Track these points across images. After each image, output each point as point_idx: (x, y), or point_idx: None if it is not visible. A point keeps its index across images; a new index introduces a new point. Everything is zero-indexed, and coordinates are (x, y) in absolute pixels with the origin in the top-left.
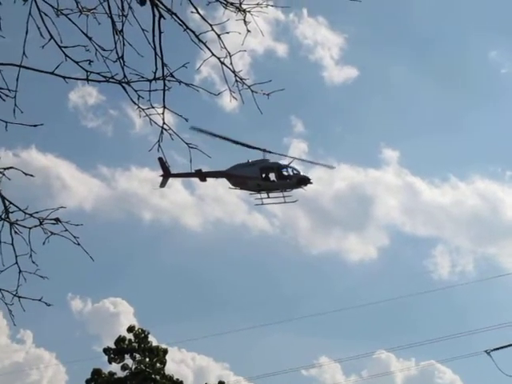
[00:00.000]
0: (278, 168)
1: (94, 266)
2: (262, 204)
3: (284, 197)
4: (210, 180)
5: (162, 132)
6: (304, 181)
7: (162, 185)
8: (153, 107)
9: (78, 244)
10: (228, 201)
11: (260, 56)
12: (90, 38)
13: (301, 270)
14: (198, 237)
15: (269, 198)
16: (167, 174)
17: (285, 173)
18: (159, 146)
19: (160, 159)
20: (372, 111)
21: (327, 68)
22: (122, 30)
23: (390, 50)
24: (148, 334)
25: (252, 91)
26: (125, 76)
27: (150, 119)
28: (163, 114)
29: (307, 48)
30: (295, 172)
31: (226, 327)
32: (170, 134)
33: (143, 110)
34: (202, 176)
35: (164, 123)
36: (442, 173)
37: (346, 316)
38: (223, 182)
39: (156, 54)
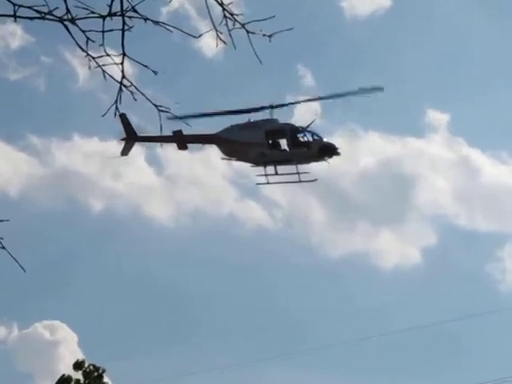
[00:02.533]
0: (291, 131)
1: (23, 276)
2: (267, 183)
3: (299, 173)
4: (183, 155)
5: (120, 89)
6: (329, 150)
7: (125, 152)
8: (108, 55)
9: (3, 248)
10: (210, 183)
11: None
12: None
13: (313, 281)
14: (168, 234)
15: (277, 174)
16: (132, 137)
17: (301, 138)
18: (117, 108)
19: (122, 116)
20: (411, 58)
21: None
22: None
23: None
24: (103, 372)
25: (247, 31)
26: (68, 11)
27: (104, 72)
28: (122, 63)
29: None
30: (316, 137)
31: (208, 362)
32: (132, 92)
33: (94, 58)
34: (182, 141)
35: (124, 77)
36: (510, 143)
37: (375, 347)
38: (204, 157)
39: None
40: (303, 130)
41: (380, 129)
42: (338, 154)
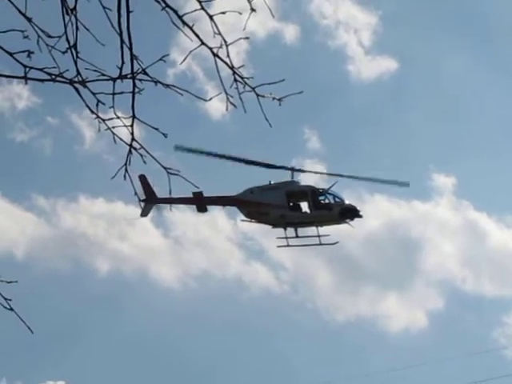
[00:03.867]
0: (312, 193)
1: (28, 336)
2: (288, 246)
3: (319, 236)
4: (189, 217)
5: (130, 152)
6: (350, 212)
7: (144, 213)
8: (118, 117)
9: (11, 309)
10: (216, 246)
11: (261, 42)
12: (29, 20)
13: (320, 345)
14: (173, 296)
15: (297, 237)
16: (152, 199)
17: (323, 200)
18: (126, 171)
19: (142, 178)
20: (417, 120)
21: (354, 59)
22: (75, 8)
23: (442, 34)
24: None
25: (257, 95)
26: (78, 73)
27: (114, 134)
28: (132, 126)
29: (326, 31)
30: (338, 199)
31: None
32: (142, 156)
33: (104, 121)
34: (202, 202)
35: (133, 139)
36: None
37: None
38: (210, 219)
39: (122, 41)
40: (324, 192)
41: (386, 192)
42: (359, 216)
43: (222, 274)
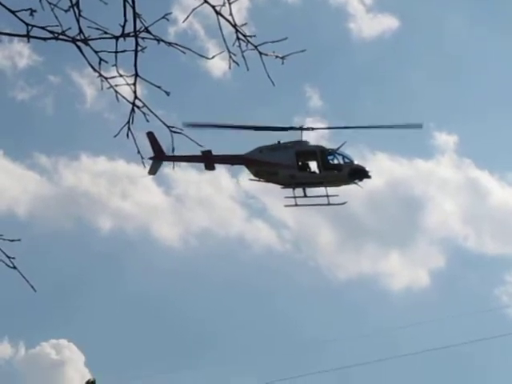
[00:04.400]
0: (322, 153)
1: (30, 295)
2: (296, 205)
3: (328, 196)
4: (191, 175)
5: (132, 110)
6: (360, 173)
7: (152, 171)
8: (121, 75)
9: (14, 267)
10: (218, 204)
11: (262, 0)
12: None
13: (322, 303)
14: (175, 254)
15: (306, 196)
16: (160, 156)
17: (332, 161)
18: (129, 129)
19: (150, 135)
20: (418, 79)
21: (355, 17)
22: None
23: None
24: None
25: (260, 53)
26: (81, 31)
27: (117, 92)
28: (135, 84)
29: None
30: (347, 160)
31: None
32: (144, 114)
33: (106, 79)
34: (211, 161)
35: (136, 97)
36: None
37: (386, 369)
38: (212, 177)
39: None
40: (333, 152)
41: (387, 150)
42: (368, 177)
43: (224, 233)
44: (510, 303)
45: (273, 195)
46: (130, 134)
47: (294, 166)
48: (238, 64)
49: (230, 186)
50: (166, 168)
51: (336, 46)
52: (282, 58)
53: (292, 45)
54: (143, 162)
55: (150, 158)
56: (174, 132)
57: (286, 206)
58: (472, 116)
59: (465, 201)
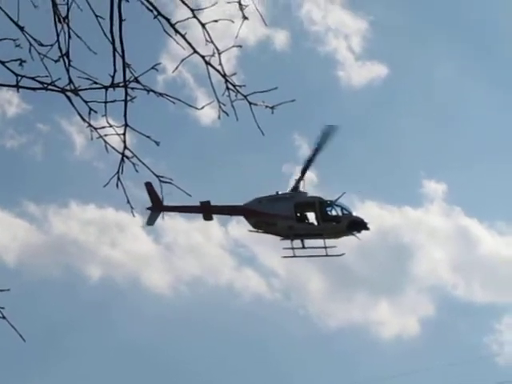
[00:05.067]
0: (320, 204)
1: (20, 344)
2: (294, 257)
3: (326, 248)
4: (181, 224)
5: (122, 160)
6: (358, 225)
7: (151, 221)
8: (110, 125)
9: (4, 317)
10: (208, 252)
11: (251, 47)
12: (21, 28)
13: (313, 351)
14: (165, 302)
15: (304, 248)
16: (158, 207)
17: (330, 212)
18: (118, 179)
19: (148, 185)
20: (407, 127)
21: (344, 65)
22: (67, 16)
23: (432, 41)
24: None
25: (250, 103)
26: (71, 81)
27: (106, 143)
28: (124, 134)
29: (316, 36)
30: (345, 211)
31: None
32: (134, 164)
33: (96, 129)
34: (209, 212)
35: (126, 147)
36: (507, 214)
37: None
38: (201, 225)
39: (115, 49)
40: (332, 203)
41: (376, 198)
42: (367, 228)
43: (214, 281)
44: (500, 351)
45: (262, 244)
46: (119, 183)
47: (292, 217)
48: (227, 114)
49: (219, 234)
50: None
51: (325, 93)
52: (272, 107)
53: (281, 92)
54: (132, 212)
55: (148, 209)
56: (164, 182)
57: (284, 257)
58: (461, 164)
59: (454, 249)
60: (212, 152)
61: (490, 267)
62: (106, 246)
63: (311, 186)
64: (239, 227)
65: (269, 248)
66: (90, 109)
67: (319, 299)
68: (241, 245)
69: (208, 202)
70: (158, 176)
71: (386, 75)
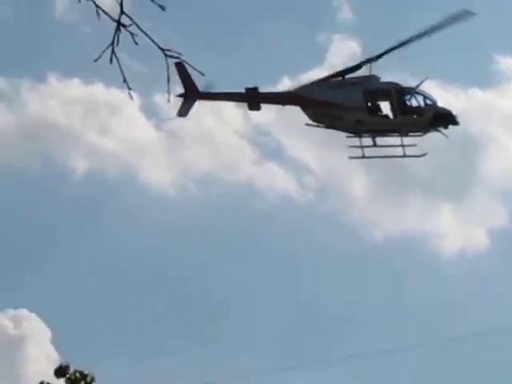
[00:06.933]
0: (397, 92)
1: None
2: (363, 157)
3: (403, 146)
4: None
5: (118, 29)
6: (445, 117)
7: (183, 111)
8: None
9: None
10: (222, 141)
11: None
12: None
13: (353, 269)
14: (168, 204)
15: (375, 146)
16: (193, 94)
17: (410, 102)
18: (113, 52)
19: (179, 66)
20: None
21: None
22: None
23: None
24: (92, 381)
25: None
26: None
27: (98, 7)
28: None
29: None
30: (428, 101)
31: (220, 367)
32: (133, 34)
33: None
34: (256, 100)
35: (122, 12)
36: None
37: (431, 356)
38: (215, 108)
39: None
40: (412, 91)
41: (438, 77)
42: (456, 123)
43: (230, 178)
44: None
45: (291, 131)
46: (114, 57)
47: (362, 108)
48: None
49: (236, 118)
50: (157, 97)
51: None
52: None
53: None
54: (130, 94)
55: (180, 96)
56: (170, 57)
57: (351, 157)
58: None
59: None
60: (237, 16)
61: None
62: (94, 131)
63: (351, 58)
64: (263, 109)
65: (300, 136)
66: None
67: (364, 204)
68: (264, 132)
69: (255, 89)
70: (163, 50)
71: None
